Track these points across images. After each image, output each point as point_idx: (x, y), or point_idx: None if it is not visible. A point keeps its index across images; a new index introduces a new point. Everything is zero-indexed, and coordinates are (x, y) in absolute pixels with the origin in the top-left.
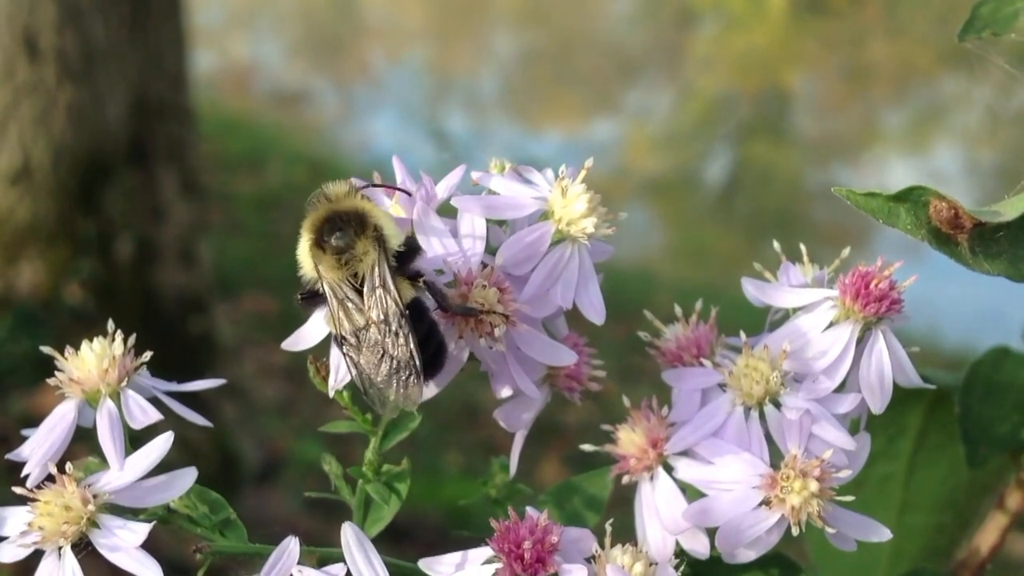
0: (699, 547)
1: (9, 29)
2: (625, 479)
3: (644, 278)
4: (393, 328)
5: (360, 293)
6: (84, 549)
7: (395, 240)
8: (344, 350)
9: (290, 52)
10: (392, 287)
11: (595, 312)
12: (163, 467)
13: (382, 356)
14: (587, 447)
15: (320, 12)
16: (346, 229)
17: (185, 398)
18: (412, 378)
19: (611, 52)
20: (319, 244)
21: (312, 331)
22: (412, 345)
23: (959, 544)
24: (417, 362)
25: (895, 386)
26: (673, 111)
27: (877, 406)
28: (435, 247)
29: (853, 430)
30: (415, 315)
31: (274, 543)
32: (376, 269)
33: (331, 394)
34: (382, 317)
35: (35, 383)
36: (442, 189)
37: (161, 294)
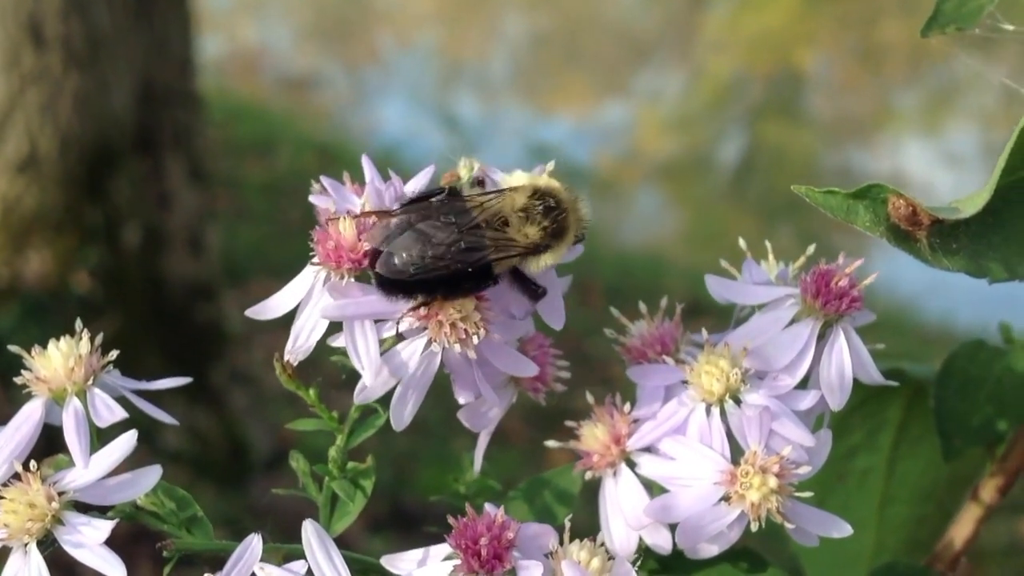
0: (661, 542)
1: (14, 17)
2: (588, 475)
3: (655, 262)
4: (454, 248)
5: (484, 227)
6: (50, 546)
7: (541, 264)
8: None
9: (299, 37)
10: (507, 253)
11: (556, 318)
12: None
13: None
14: (551, 443)
15: None
16: (554, 216)
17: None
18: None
19: (622, 34)
20: (535, 195)
21: (280, 302)
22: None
23: (941, 536)
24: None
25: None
26: (685, 93)
27: (836, 403)
28: None
29: (820, 427)
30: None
31: (287, 532)
32: (515, 240)
33: (288, 359)
34: (463, 242)
35: None
36: (411, 188)
37: (169, 282)
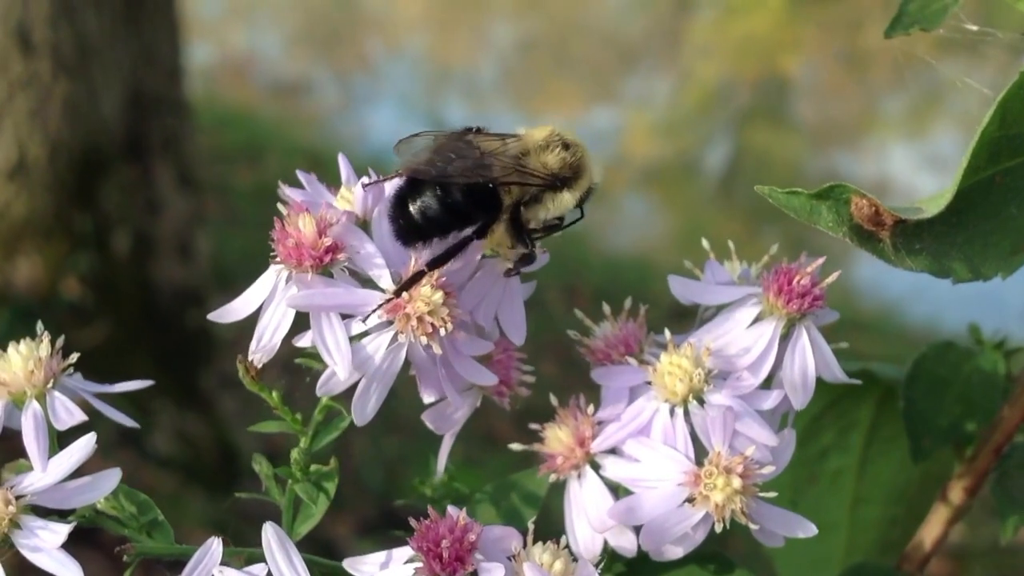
0: (626, 544)
1: (3, 24)
2: (553, 477)
3: (643, 266)
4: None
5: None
6: (8, 549)
7: (555, 204)
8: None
9: (289, 43)
10: (525, 180)
11: (516, 331)
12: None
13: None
14: (515, 446)
15: (318, 3)
16: (572, 151)
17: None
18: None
19: (609, 40)
20: (554, 134)
21: (243, 304)
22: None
23: (912, 538)
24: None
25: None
26: (672, 98)
27: (799, 402)
28: (386, 244)
29: (785, 426)
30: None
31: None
32: (534, 168)
33: (252, 360)
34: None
35: None
36: (389, 188)
37: (159, 288)
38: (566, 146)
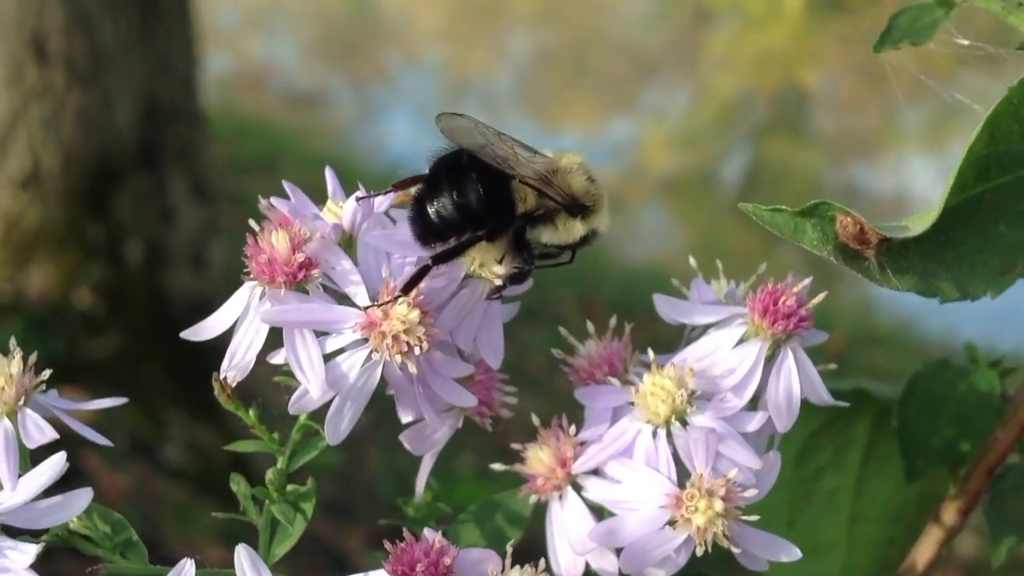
0: (607, 566)
1: (17, 33)
2: (533, 499)
3: (659, 278)
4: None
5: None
6: None
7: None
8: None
9: (305, 54)
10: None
11: (494, 354)
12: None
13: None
14: (496, 466)
15: (336, 13)
16: (597, 186)
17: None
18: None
19: (627, 51)
20: (587, 171)
21: (216, 322)
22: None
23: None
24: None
25: (839, 397)
26: (690, 110)
27: (783, 424)
28: (369, 261)
29: (771, 449)
30: (499, 208)
31: None
32: (558, 185)
33: (227, 377)
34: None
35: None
36: (379, 203)
37: (171, 298)
38: (592, 179)
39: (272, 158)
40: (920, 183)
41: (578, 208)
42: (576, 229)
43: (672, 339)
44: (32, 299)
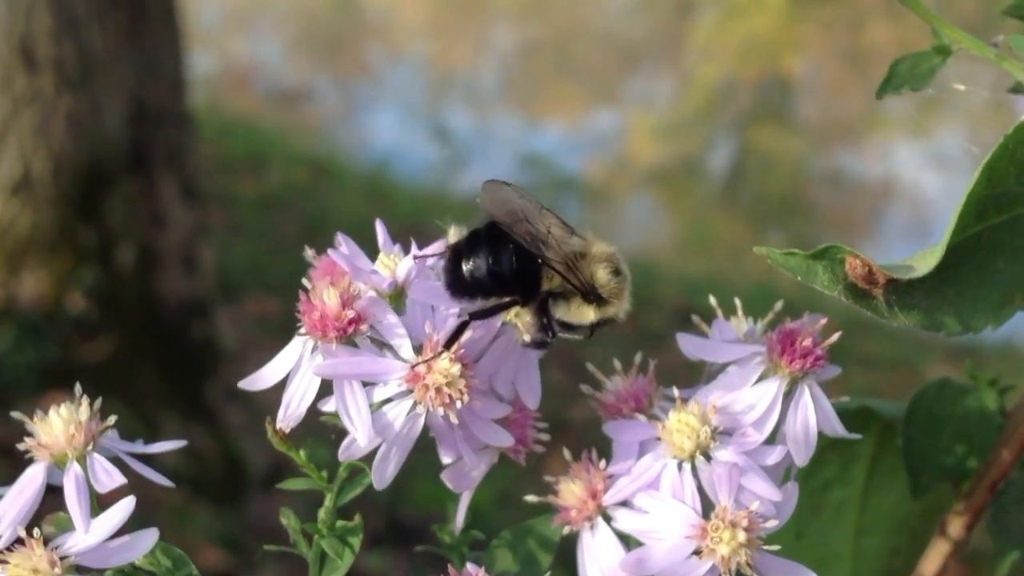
0: None
1: (6, 39)
2: (566, 529)
3: (648, 270)
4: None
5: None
6: None
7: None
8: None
9: (289, 51)
10: (571, 275)
11: (532, 397)
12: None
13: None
14: (531, 498)
15: (319, 10)
16: (620, 280)
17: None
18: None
19: (611, 42)
20: (615, 265)
21: (270, 373)
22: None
23: (915, 567)
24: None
25: (845, 415)
26: (675, 100)
27: (801, 458)
28: (416, 312)
29: (788, 480)
30: (526, 282)
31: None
32: (581, 271)
33: (281, 427)
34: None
35: (39, 393)
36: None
37: (163, 301)
38: (617, 272)
39: (258, 157)
40: (906, 168)
41: (595, 297)
42: (588, 315)
43: (660, 330)
44: (25, 304)
